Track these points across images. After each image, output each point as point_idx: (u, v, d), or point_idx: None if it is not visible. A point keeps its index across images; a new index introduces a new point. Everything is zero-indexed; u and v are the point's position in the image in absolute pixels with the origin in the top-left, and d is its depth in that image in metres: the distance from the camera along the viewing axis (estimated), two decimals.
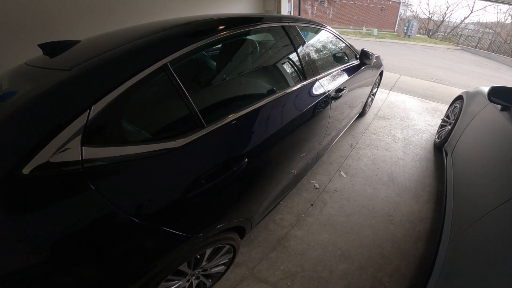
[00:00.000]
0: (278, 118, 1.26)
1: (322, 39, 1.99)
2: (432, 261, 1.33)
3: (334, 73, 1.81)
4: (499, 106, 1.66)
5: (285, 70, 1.49)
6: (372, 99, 3.43)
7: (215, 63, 1.36)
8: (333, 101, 1.68)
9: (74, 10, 2.28)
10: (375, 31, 18.16)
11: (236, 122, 1.05)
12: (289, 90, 1.35)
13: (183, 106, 0.91)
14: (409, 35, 19.24)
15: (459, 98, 2.67)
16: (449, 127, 2.52)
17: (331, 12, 21.58)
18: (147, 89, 0.84)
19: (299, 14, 7.74)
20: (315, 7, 20.95)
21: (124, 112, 0.78)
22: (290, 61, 1.52)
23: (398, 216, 1.88)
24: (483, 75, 8.97)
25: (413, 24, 19.25)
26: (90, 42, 1.08)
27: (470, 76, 8.29)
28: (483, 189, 1.34)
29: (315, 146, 1.74)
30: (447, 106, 3.88)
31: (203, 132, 0.93)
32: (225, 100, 1.16)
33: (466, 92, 2.57)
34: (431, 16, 28.30)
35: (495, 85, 1.57)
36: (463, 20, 26.22)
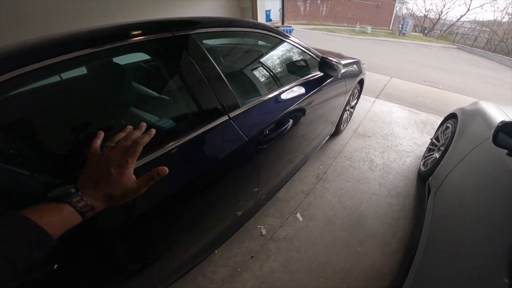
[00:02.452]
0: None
1: (256, 49, 1.46)
2: None
3: (272, 100, 1.27)
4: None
5: (164, 111, 0.97)
6: (351, 113, 2.92)
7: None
8: (263, 146, 1.14)
9: None
10: (369, 29, 17.60)
11: None
12: (168, 148, 0.82)
13: None
14: (404, 33, 18.70)
15: (452, 116, 2.17)
16: (437, 155, 2.02)
17: (324, 9, 20.95)
18: None
19: (283, 12, 7.21)
20: (308, 4, 20.30)
21: None
22: (177, 94, 0.98)
23: (355, 272, 1.49)
24: (480, 76, 8.50)
25: (408, 22, 18.70)
26: None
27: (466, 77, 7.80)
28: (464, 259, 0.96)
29: (243, 202, 1.24)
30: (439, 119, 3.40)
31: None
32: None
33: (462, 110, 2.05)
34: (427, 14, 27.87)
35: (506, 120, 1.04)
36: (460, 18, 25.83)
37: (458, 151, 1.70)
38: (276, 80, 1.47)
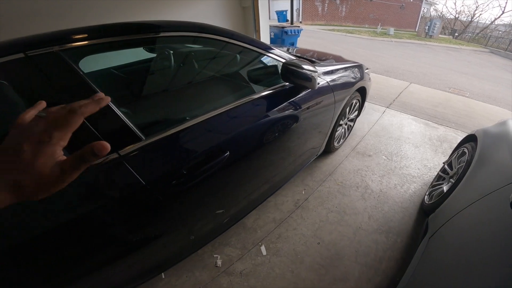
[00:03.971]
0: None
1: (186, 59, 1.15)
2: None
3: (205, 124, 0.96)
4: None
5: None
6: (350, 127, 2.52)
7: None
8: (178, 189, 0.86)
9: None
10: (391, 30, 16.63)
11: None
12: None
13: None
14: (430, 35, 17.51)
15: (472, 139, 1.75)
16: (445, 188, 1.61)
17: (343, 9, 20.14)
18: None
19: (292, 12, 6.87)
20: (326, 5, 19.60)
21: None
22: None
23: None
24: None
25: (435, 24, 17.47)
26: None
27: (497, 84, 6.97)
28: None
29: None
30: (460, 135, 2.89)
31: None
32: None
33: (484, 132, 1.63)
34: (458, 16, 26.12)
35: None
36: (494, 21, 23.91)
37: (473, 188, 1.31)
38: (215, 98, 1.16)
